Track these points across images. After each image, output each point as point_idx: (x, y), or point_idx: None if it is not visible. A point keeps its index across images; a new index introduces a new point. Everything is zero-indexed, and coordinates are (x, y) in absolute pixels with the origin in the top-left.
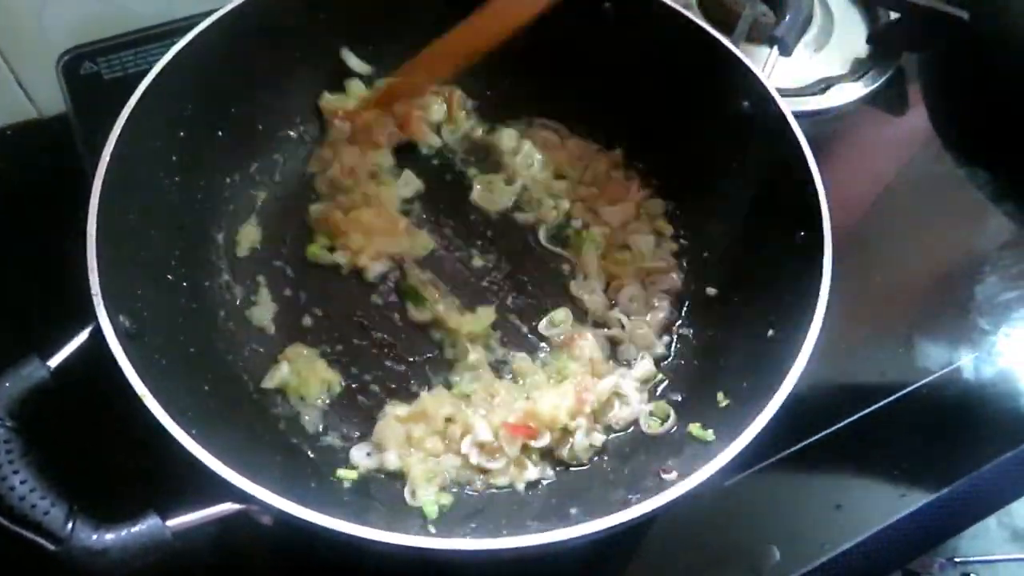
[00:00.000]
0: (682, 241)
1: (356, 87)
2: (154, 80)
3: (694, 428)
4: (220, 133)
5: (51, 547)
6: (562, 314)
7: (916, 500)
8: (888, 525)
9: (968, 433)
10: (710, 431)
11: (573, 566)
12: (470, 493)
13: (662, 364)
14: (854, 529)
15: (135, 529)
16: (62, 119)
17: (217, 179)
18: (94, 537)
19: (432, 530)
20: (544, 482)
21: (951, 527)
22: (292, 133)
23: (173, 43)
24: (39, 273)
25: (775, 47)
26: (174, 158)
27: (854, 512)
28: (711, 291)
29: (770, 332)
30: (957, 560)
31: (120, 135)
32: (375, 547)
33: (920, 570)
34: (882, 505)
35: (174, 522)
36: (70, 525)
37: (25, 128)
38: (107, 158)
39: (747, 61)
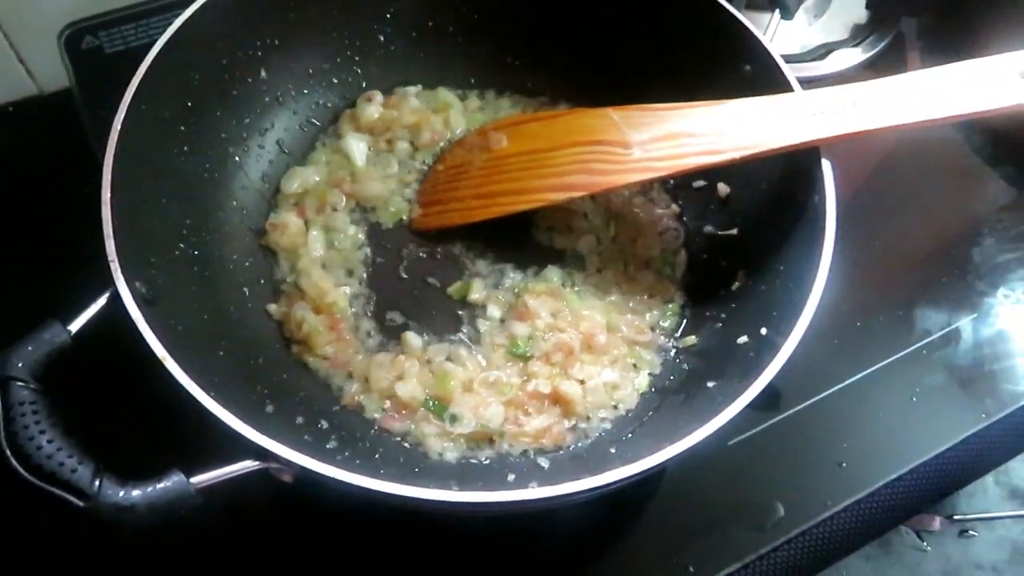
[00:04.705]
0: (681, 203)
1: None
2: (163, 48)
3: None
4: (227, 104)
5: (79, 503)
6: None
7: (916, 458)
8: (888, 482)
9: (966, 392)
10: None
11: (580, 524)
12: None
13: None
14: (856, 486)
15: (161, 486)
16: (62, 94)
17: (225, 150)
18: (121, 493)
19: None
20: None
21: (950, 484)
22: (299, 104)
23: (175, 15)
24: (51, 244)
25: (776, 10)
26: (182, 128)
27: (856, 469)
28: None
29: (776, 294)
30: (956, 517)
31: (130, 104)
32: (394, 501)
33: (920, 527)
34: (883, 463)
35: (198, 479)
36: (97, 482)
37: (26, 104)
38: (118, 127)
39: (749, 25)
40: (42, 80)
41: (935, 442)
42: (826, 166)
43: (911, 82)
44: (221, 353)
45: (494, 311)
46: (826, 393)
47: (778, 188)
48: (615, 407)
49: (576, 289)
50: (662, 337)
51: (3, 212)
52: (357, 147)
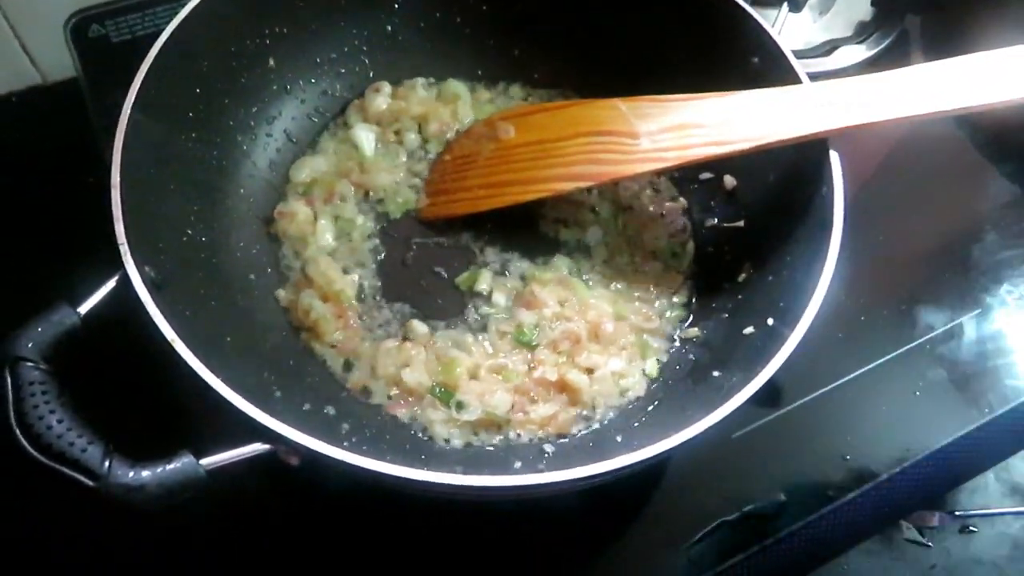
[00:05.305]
0: (687, 195)
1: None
2: (171, 36)
3: None
4: (235, 92)
5: (90, 483)
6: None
7: (917, 453)
8: (890, 476)
9: (968, 388)
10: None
11: (584, 514)
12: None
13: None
14: (858, 480)
15: (170, 466)
16: (66, 84)
17: (232, 138)
18: (131, 474)
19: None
20: None
21: (951, 480)
22: (307, 94)
23: (182, 4)
24: (59, 231)
25: (785, 3)
26: (190, 115)
27: (858, 463)
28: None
29: (783, 285)
30: (957, 513)
31: (138, 92)
32: (399, 485)
33: (920, 523)
34: (885, 457)
35: (207, 460)
36: (107, 462)
37: (30, 94)
38: (127, 114)
39: (758, 17)
40: (46, 69)
41: (937, 437)
42: (834, 157)
43: (918, 74)
44: (229, 339)
45: (501, 299)
46: (829, 387)
47: (785, 180)
48: (622, 395)
49: (584, 278)
50: (669, 326)
51: (10, 200)
52: (366, 137)
